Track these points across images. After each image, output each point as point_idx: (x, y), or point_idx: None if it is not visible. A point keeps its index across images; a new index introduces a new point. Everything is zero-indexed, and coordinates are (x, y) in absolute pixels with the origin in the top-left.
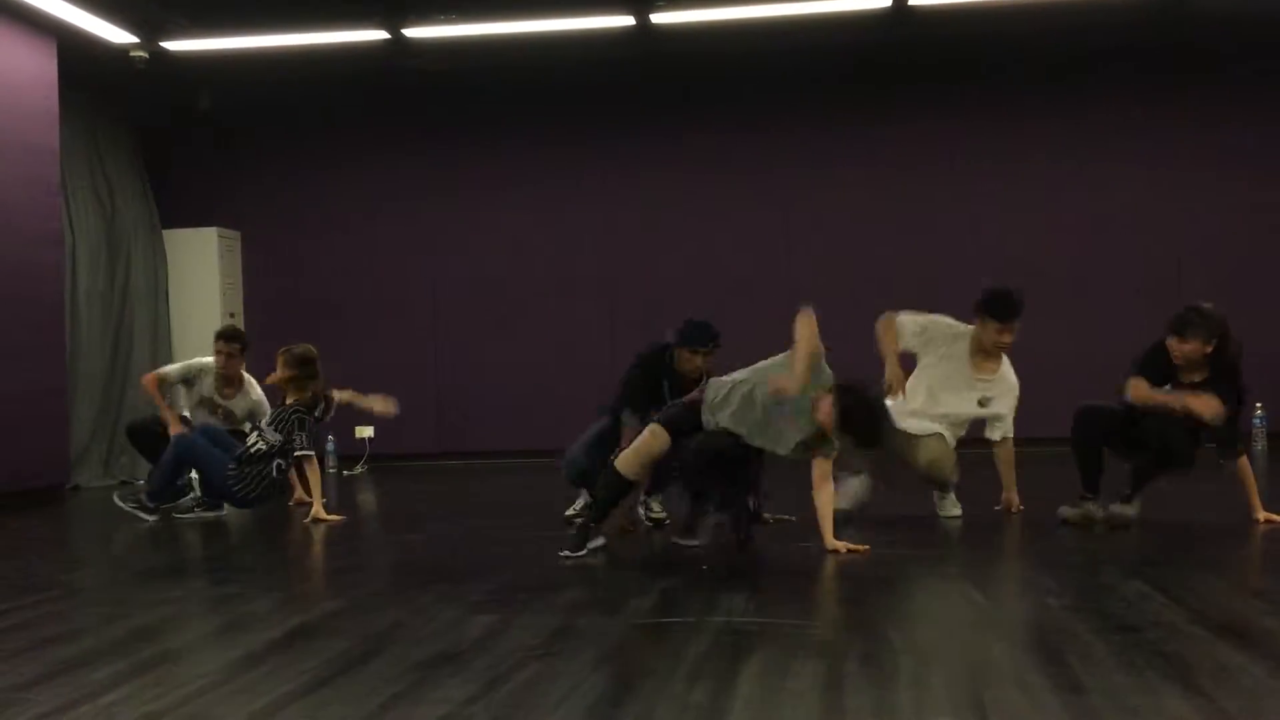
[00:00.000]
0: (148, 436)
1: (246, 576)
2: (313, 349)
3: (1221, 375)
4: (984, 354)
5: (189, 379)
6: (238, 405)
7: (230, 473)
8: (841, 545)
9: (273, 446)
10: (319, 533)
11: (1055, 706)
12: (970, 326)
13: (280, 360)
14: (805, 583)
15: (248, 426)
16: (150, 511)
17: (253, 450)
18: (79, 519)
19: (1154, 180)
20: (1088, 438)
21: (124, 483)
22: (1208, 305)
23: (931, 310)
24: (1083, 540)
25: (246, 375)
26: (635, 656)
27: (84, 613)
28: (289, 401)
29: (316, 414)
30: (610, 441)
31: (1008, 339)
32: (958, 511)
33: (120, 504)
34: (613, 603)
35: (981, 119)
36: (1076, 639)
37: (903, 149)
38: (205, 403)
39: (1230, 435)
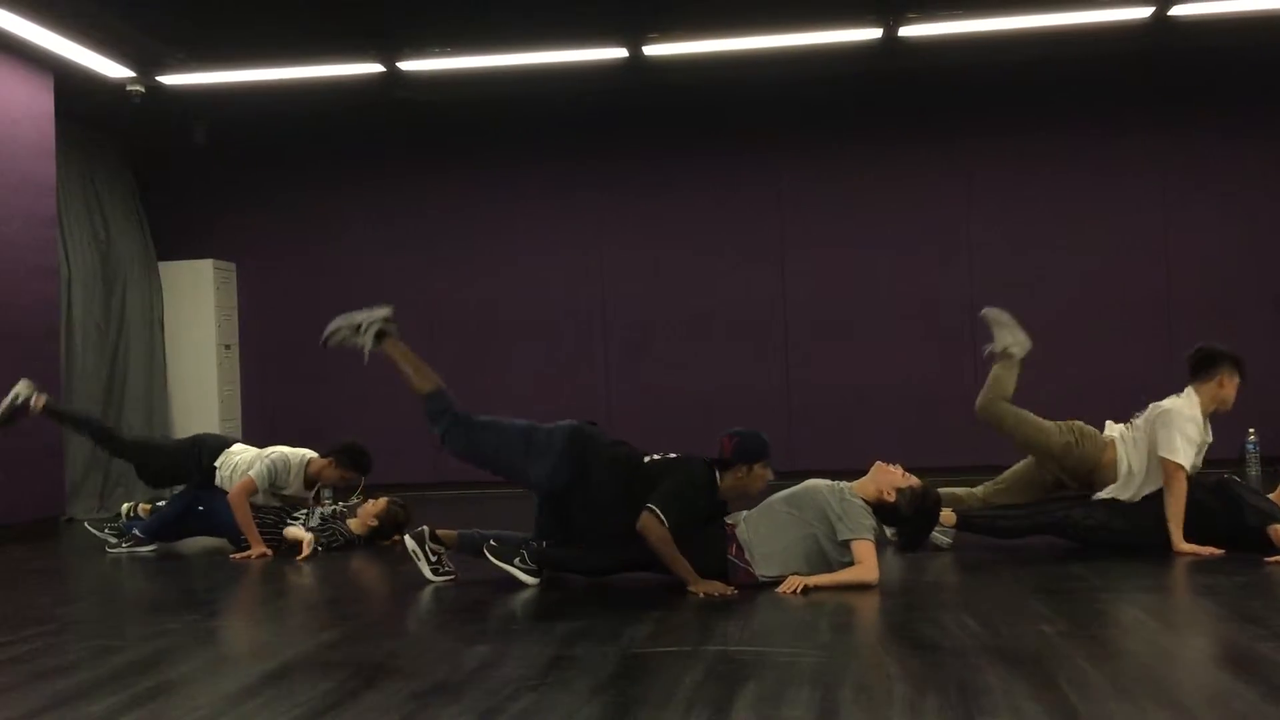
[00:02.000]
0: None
1: (242, 609)
2: (400, 512)
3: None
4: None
5: (275, 481)
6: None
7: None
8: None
9: (305, 527)
10: (313, 565)
11: None
12: (1186, 398)
13: (382, 505)
14: (800, 611)
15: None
16: (148, 542)
17: (289, 518)
18: (74, 551)
19: (1146, 204)
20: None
21: (113, 521)
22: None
23: (924, 336)
24: (1077, 567)
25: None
26: (631, 686)
27: (80, 646)
28: (345, 516)
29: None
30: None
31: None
32: (948, 540)
33: (116, 550)
34: (608, 632)
35: (974, 146)
36: (1071, 665)
37: (899, 177)
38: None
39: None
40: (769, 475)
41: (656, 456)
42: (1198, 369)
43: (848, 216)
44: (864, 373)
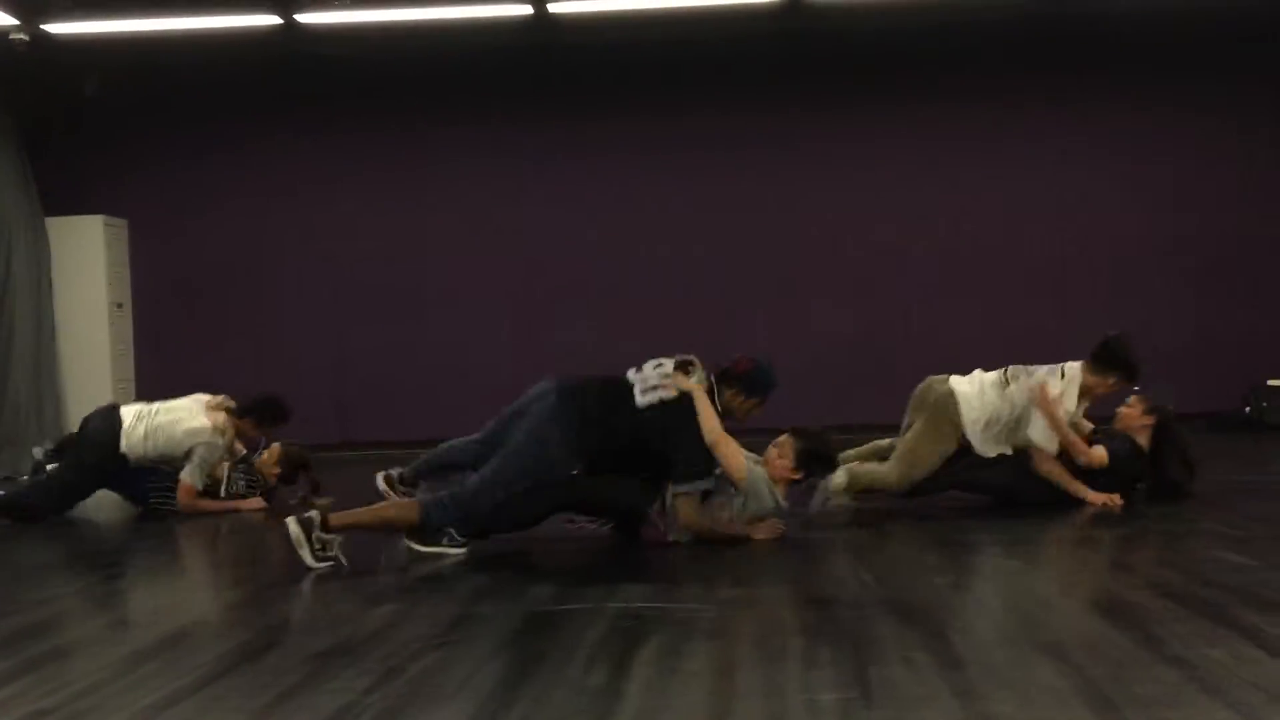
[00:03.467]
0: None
1: (140, 571)
2: (295, 451)
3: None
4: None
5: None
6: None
7: (153, 484)
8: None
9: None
10: (214, 527)
11: (936, 681)
12: (1068, 382)
13: (277, 451)
14: (702, 568)
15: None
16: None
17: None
18: None
19: (1044, 169)
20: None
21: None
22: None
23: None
24: (970, 521)
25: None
26: (533, 643)
27: None
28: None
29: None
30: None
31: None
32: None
33: None
34: (512, 590)
35: (876, 108)
36: (959, 615)
37: (802, 139)
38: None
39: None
40: (756, 414)
41: (635, 378)
42: (1099, 358)
43: (755, 173)
44: (813, 333)
